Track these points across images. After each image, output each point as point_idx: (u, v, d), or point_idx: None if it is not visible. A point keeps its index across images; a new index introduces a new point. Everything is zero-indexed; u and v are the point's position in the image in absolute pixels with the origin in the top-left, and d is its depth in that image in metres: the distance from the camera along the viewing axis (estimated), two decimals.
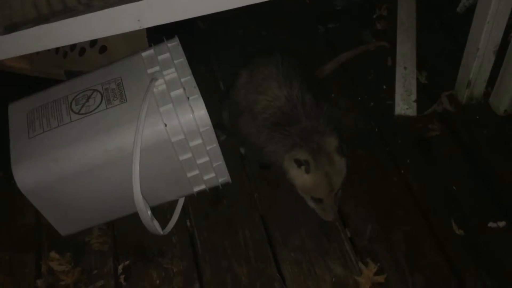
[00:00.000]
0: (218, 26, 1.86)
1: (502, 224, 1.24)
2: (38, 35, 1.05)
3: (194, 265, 1.25)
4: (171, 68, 1.18)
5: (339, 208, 1.31)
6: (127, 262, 1.27)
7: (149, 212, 1.18)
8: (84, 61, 1.57)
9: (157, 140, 1.14)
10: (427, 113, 1.50)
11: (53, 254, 1.29)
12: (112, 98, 1.18)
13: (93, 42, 1.55)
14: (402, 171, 1.38)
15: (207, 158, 1.20)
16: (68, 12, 1.04)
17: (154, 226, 1.20)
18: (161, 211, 1.34)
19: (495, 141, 1.42)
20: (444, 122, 1.48)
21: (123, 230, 1.33)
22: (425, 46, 1.67)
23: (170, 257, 1.27)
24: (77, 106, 1.18)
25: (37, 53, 1.55)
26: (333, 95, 1.58)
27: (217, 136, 1.19)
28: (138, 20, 1.03)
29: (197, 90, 1.15)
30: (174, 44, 1.23)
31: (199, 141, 1.17)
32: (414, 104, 1.53)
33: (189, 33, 1.82)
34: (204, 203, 1.36)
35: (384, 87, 1.60)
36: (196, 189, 1.28)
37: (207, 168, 1.23)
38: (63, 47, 1.57)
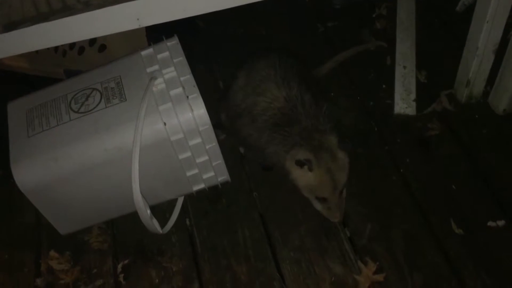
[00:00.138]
0: (218, 25, 1.86)
1: (501, 223, 1.24)
2: (37, 34, 1.05)
3: (193, 264, 1.25)
4: (170, 67, 1.18)
5: None
6: (126, 261, 1.27)
7: (149, 211, 1.18)
8: (83, 60, 1.57)
9: (157, 139, 1.14)
10: (427, 112, 1.50)
11: (52, 253, 1.29)
12: (111, 97, 1.18)
13: (92, 41, 1.55)
14: (402, 170, 1.38)
15: (206, 157, 1.20)
16: (67, 10, 1.05)
17: (154, 225, 1.20)
18: (161, 210, 1.34)
19: (494, 140, 1.42)
20: (443, 121, 1.48)
21: (123, 229, 1.33)
22: (425, 45, 1.67)
23: (169, 256, 1.27)
24: (77, 105, 1.18)
25: (36, 51, 1.55)
26: (332, 94, 1.58)
27: (217, 135, 1.19)
28: (138, 19, 1.03)
29: (196, 89, 1.15)
30: (173, 43, 1.23)
31: (198, 140, 1.17)
32: (414, 103, 1.53)
33: (189, 32, 1.82)
34: (203, 202, 1.36)
35: (384, 86, 1.60)
36: (196, 188, 1.28)
37: (207, 167, 1.23)
38: (62, 45, 1.56)
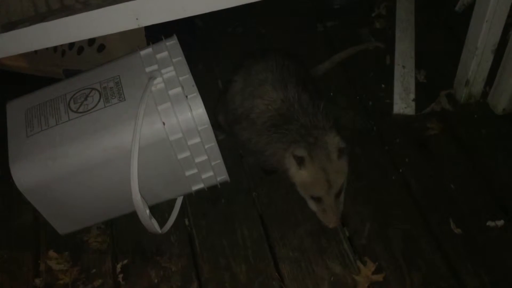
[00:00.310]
0: (217, 25, 1.86)
1: (500, 223, 1.24)
2: (36, 34, 1.05)
3: (192, 264, 1.25)
4: (169, 67, 1.18)
5: None
6: (125, 261, 1.27)
7: (148, 211, 1.18)
8: (82, 60, 1.57)
9: (156, 138, 1.14)
10: (426, 112, 1.51)
11: (51, 253, 1.29)
12: (110, 97, 1.17)
13: (91, 41, 1.55)
14: (401, 170, 1.38)
15: (205, 157, 1.20)
16: (66, 10, 1.05)
17: (153, 225, 1.20)
18: (160, 210, 1.34)
19: (493, 140, 1.42)
20: (442, 121, 1.48)
21: (122, 229, 1.33)
22: (424, 45, 1.67)
23: (168, 256, 1.27)
24: (75, 105, 1.18)
25: (35, 51, 1.55)
26: (331, 94, 1.59)
27: (216, 136, 1.19)
28: (137, 19, 1.03)
29: (195, 89, 1.15)
30: (172, 42, 1.23)
31: (197, 139, 1.17)
32: (413, 103, 1.53)
33: (188, 31, 1.82)
34: (202, 202, 1.36)
35: (383, 86, 1.60)
36: (195, 188, 1.28)
37: (206, 166, 1.23)
38: (61, 45, 1.56)
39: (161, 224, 1.28)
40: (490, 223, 1.24)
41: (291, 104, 1.20)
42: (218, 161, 1.23)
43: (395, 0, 1.81)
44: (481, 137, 1.43)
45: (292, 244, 1.26)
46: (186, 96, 1.14)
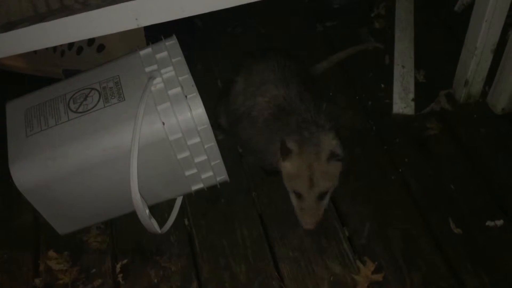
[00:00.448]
0: (216, 25, 1.86)
1: (499, 222, 1.24)
2: (36, 34, 1.05)
3: (192, 264, 1.25)
4: (169, 67, 1.18)
5: (337, 207, 1.31)
6: (125, 261, 1.27)
7: (147, 211, 1.18)
8: (81, 60, 1.57)
9: (155, 138, 1.14)
10: (425, 112, 1.51)
11: (51, 253, 1.29)
12: (110, 97, 1.17)
13: (90, 41, 1.55)
14: (400, 170, 1.38)
15: (205, 157, 1.20)
16: (66, 10, 1.04)
17: (152, 225, 1.20)
18: (159, 210, 1.34)
19: (493, 140, 1.42)
20: (442, 121, 1.48)
21: (121, 229, 1.33)
22: (423, 44, 1.67)
23: (168, 255, 1.27)
24: (75, 105, 1.18)
25: (35, 51, 1.55)
26: (331, 93, 1.59)
27: (215, 136, 1.19)
28: (136, 19, 1.03)
29: (195, 89, 1.15)
30: (172, 42, 1.23)
31: (197, 139, 1.17)
32: (412, 103, 1.53)
33: (187, 31, 1.82)
34: (202, 202, 1.36)
35: (382, 85, 1.60)
36: (194, 187, 1.28)
37: (205, 166, 1.23)
38: (60, 45, 1.56)
39: (161, 224, 1.28)
40: (489, 223, 1.24)
41: (293, 100, 1.20)
42: (218, 161, 1.23)
43: (394, 0, 1.81)
44: (481, 137, 1.43)
45: (292, 243, 1.26)
46: (186, 96, 1.14)
